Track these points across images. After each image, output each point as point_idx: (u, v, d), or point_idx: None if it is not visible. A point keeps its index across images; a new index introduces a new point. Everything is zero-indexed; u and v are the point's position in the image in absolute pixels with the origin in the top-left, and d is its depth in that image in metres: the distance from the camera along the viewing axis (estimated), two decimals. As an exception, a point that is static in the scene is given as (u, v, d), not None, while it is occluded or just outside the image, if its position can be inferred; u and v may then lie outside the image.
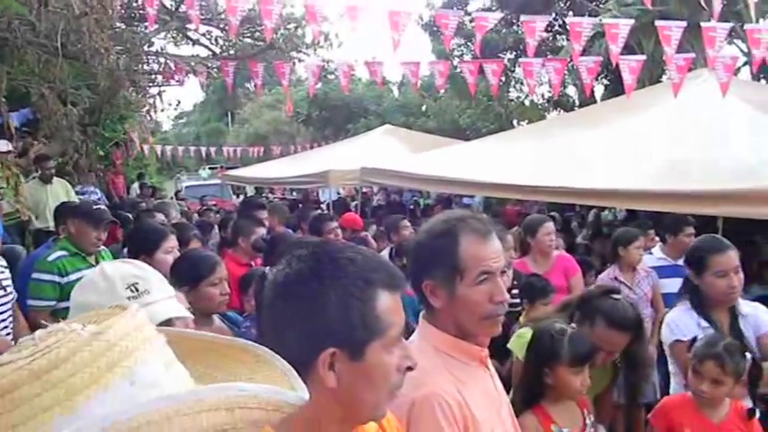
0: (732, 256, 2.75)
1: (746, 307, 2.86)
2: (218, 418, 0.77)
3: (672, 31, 5.01)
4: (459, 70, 18.63)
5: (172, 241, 3.41)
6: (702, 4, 4.74)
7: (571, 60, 6.07)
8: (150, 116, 8.81)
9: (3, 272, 3.47)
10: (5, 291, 3.45)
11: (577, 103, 16.13)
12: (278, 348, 1.19)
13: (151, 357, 0.80)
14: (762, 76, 9.46)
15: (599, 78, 14.84)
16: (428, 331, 1.76)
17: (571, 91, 17.61)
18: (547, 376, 2.31)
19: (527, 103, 17.54)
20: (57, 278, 3.75)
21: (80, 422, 0.70)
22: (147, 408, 0.74)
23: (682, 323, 2.81)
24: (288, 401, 1.03)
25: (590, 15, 12.62)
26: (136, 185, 13.15)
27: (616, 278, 4.61)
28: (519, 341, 2.70)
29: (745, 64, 11.32)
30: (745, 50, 10.97)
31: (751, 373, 2.51)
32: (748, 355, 2.50)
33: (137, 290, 1.76)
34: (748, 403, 2.57)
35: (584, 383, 2.30)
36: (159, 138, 15.55)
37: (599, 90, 17.03)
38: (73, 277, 3.72)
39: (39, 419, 0.72)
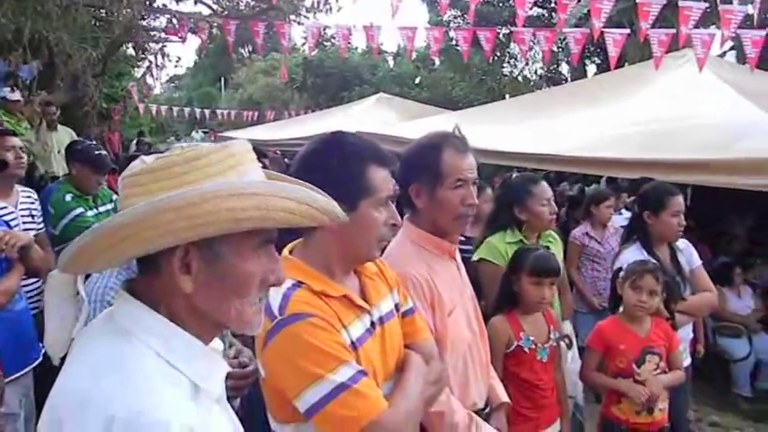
0: (681, 201, 3.15)
1: (681, 244, 3.26)
2: (292, 204, 1.04)
3: (651, 7, 5.31)
4: (453, 42, 18.88)
5: None
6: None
7: (559, 31, 6.34)
8: (152, 72, 9.05)
9: (33, 202, 3.72)
10: (36, 222, 3.70)
11: (569, 79, 16.41)
12: None
13: (253, 169, 1.10)
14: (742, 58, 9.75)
15: (590, 57, 15.10)
16: (408, 229, 2.16)
17: (564, 69, 17.87)
18: (514, 284, 2.68)
19: (520, 78, 17.80)
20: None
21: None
22: (248, 183, 1.04)
23: (633, 259, 3.19)
24: (339, 215, 1.17)
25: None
26: (134, 143, 13.36)
27: (587, 233, 5.00)
28: (486, 247, 3.07)
29: (731, 48, 11.61)
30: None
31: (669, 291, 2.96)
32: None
33: None
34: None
35: (542, 296, 2.65)
36: (149, 101, 15.65)
37: (591, 69, 17.30)
38: (76, 212, 4.03)
39: (183, 189, 1.00)
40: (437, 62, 20.76)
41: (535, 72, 17.74)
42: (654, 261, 3.02)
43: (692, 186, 6.37)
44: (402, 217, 2.09)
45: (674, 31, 5.59)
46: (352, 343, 1.53)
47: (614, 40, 5.78)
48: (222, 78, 40.96)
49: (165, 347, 1.04)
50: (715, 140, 5.50)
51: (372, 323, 1.63)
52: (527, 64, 18.11)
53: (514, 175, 3.33)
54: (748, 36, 5.46)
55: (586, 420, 3.33)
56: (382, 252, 1.75)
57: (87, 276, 1.70)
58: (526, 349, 2.68)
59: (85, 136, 8.84)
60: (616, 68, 7.21)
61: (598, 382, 3.01)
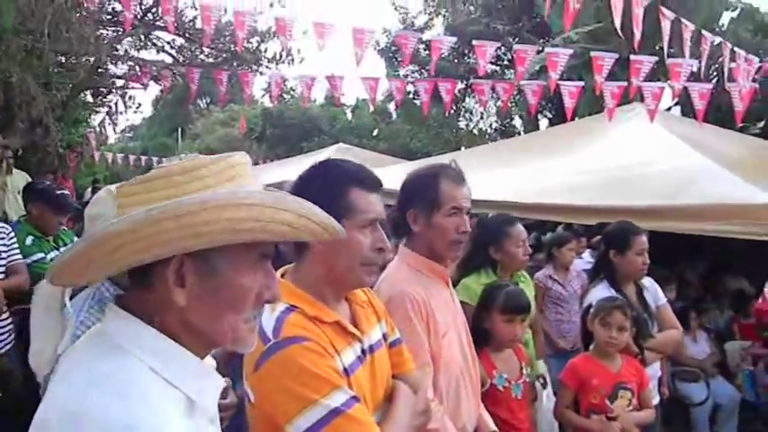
0: (645, 239, 3.25)
1: (646, 282, 3.36)
2: (291, 216, 1.03)
3: (604, 61, 5.58)
4: (411, 96, 19.29)
5: None
6: (620, 34, 5.29)
7: (517, 83, 6.59)
8: (111, 118, 8.94)
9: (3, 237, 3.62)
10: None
11: (522, 133, 16.90)
12: None
13: (252, 182, 1.08)
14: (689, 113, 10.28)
15: (543, 111, 15.61)
16: (405, 253, 2.27)
17: (518, 123, 18.39)
18: (485, 321, 2.70)
19: (476, 131, 18.25)
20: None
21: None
22: (248, 192, 1.02)
23: (601, 296, 3.26)
24: (338, 230, 1.17)
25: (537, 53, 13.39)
26: (89, 191, 13.07)
27: (550, 276, 5.10)
28: (463, 288, 3.11)
29: (676, 104, 12.19)
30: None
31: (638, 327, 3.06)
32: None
33: None
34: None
35: (514, 334, 2.68)
36: (104, 149, 15.39)
37: (543, 123, 17.85)
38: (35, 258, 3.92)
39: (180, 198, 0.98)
40: (394, 115, 21.18)
41: (490, 126, 18.23)
42: (621, 298, 3.10)
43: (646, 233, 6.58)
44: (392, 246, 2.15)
45: (625, 83, 5.85)
46: (345, 370, 1.53)
47: (569, 92, 6.03)
48: (179, 129, 40.75)
49: (161, 363, 1.02)
50: (666, 188, 5.73)
51: (363, 351, 1.63)
52: (482, 118, 18.62)
53: (490, 215, 3.38)
54: (696, 89, 5.76)
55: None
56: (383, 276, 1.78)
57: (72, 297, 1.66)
58: (500, 387, 2.69)
59: (40, 181, 8.64)
60: (570, 120, 7.48)
61: (571, 421, 3.03)
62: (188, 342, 1.06)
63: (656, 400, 3.26)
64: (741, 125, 10.61)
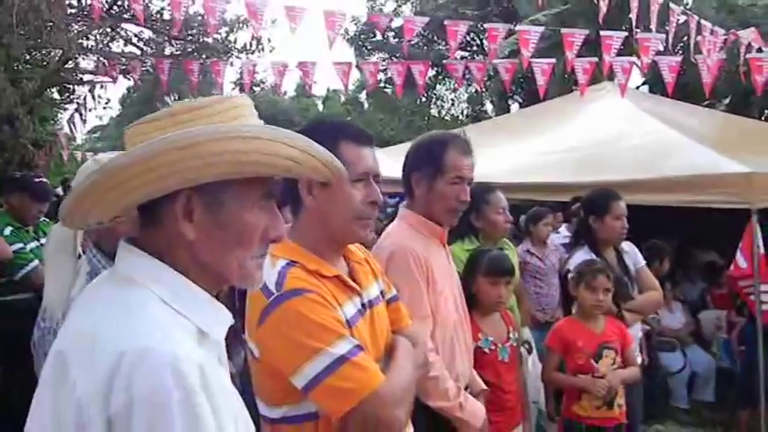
0: (624, 205, 3.32)
1: (626, 246, 3.43)
2: (295, 151, 1.05)
3: (575, 37, 5.65)
4: (383, 85, 19.30)
5: None
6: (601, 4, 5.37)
7: (490, 63, 6.64)
8: (81, 114, 8.79)
9: None
10: None
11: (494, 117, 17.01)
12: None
13: (254, 122, 1.09)
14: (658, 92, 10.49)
15: (513, 96, 15.75)
16: (405, 214, 2.35)
17: (489, 109, 18.52)
18: (470, 286, 2.74)
19: (447, 118, 18.34)
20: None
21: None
22: (253, 127, 1.04)
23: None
24: (340, 168, 1.18)
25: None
26: (59, 190, 12.84)
27: (528, 251, 5.18)
28: None
29: (644, 83, 12.40)
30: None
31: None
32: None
33: None
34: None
35: (499, 296, 2.72)
36: (73, 148, 15.10)
37: (514, 108, 18.00)
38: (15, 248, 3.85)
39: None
40: (366, 105, 21.17)
41: (462, 112, 18.33)
42: (600, 260, 3.16)
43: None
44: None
45: (596, 59, 5.93)
46: (347, 321, 1.54)
47: (542, 69, 6.09)
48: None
49: (171, 294, 1.03)
50: (638, 162, 5.84)
51: (363, 305, 1.65)
52: (453, 104, 18.69)
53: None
54: (665, 62, 5.86)
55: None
56: (378, 234, 1.81)
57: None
58: (486, 350, 2.72)
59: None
60: (543, 99, 7.55)
61: (559, 381, 3.09)
62: (198, 278, 1.08)
63: (639, 359, 3.33)
64: (708, 102, 10.85)
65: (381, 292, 1.77)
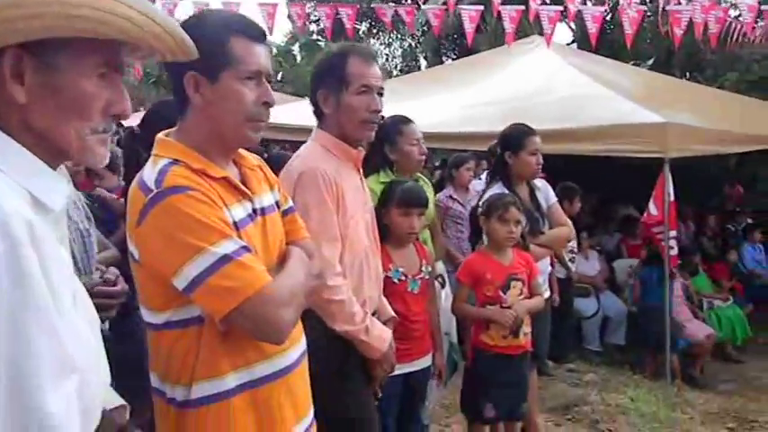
0: (538, 140, 3.34)
1: (538, 182, 3.48)
2: (132, 12, 0.96)
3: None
4: (315, 38, 18.92)
5: None
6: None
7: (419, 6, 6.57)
8: None
9: None
10: None
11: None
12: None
13: None
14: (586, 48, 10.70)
15: (447, 53, 15.73)
16: (318, 134, 2.27)
17: (423, 65, 18.45)
18: (384, 217, 2.72)
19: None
20: None
21: None
22: None
23: None
24: (185, 42, 1.10)
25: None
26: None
27: (451, 196, 5.22)
28: None
29: (573, 41, 12.59)
30: (574, 28, 12.17)
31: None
32: None
33: None
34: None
35: (411, 227, 2.71)
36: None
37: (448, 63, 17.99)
38: None
39: None
40: (299, 57, 20.73)
41: (395, 66, 18.20)
42: (510, 193, 3.18)
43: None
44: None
45: (523, 7, 5.94)
46: (235, 223, 1.46)
47: (470, 16, 6.07)
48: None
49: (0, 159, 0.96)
50: (563, 113, 5.94)
51: (254, 210, 1.56)
52: (387, 60, 18.54)
53: (387, 117, 3.34)
54: (589, 11, 5.94)
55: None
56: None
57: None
58: (395, 280, 2.71)
59: None
60: (470, 52, 7.55)
61: (468, 313, 3.13)
62: (32, 146, 1.00)
63: (546, 293, 3.39)
64: (633, 63, 11.13)
65: (277, 203, 1.70)
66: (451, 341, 3.44)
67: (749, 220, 8.70)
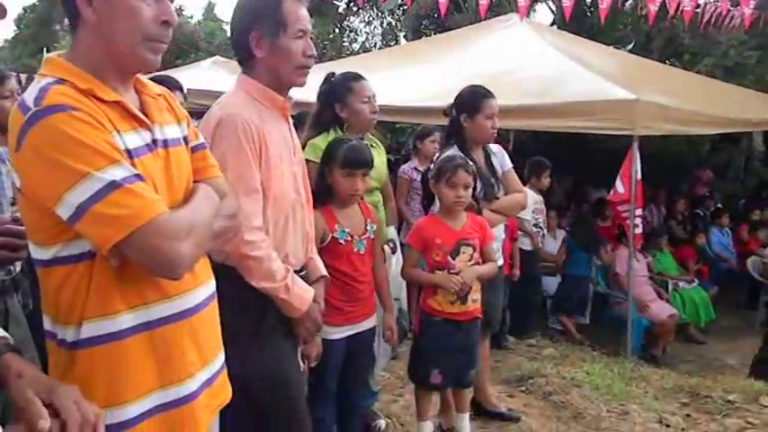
0: (495, 104, 3.25)
1: (494, 147, 3.40)
2: None
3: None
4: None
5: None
6: None
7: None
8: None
9: None
10: None
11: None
12: None
13: None
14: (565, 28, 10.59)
15: (426, 32, 15.58)
16: (243, 80, 2.13)
17: (402, 43, 18.28)
18: (328, 176, 2.62)
19: (361, 52, 17.94)
20: None
21: None
22: None
23: None
24: None
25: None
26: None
27: (415, 168, 5.13)
28: (310, 147, 2.98)
29: (552, 23, 12.49)
30: (554, 10, 12.08)
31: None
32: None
33: None
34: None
35: (354, 188, 2.61)
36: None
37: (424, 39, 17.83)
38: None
39: None
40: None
41: (375, 45, 17.96)
42: (462, 155, 3.08)
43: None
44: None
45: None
46: (128, 151, 1.34)
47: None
48: (44, 49, 37.51)
49: None
50: (537, 89, 5.89)
51: (154, 141, 1.44)
52: (368, 38, 18.36)
53: (336, 73, 3.20)
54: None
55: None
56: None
57: None
58: (342, 241, 2.63)
59: None
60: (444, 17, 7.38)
61: (416, 278, 3.05)
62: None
63: (500, 261, 3.32)
64: (613, 47, 11.08)
65: (185, 138, 1.57)
66: (402, 307, 3.36)
67: (719, 206, 8.76)
